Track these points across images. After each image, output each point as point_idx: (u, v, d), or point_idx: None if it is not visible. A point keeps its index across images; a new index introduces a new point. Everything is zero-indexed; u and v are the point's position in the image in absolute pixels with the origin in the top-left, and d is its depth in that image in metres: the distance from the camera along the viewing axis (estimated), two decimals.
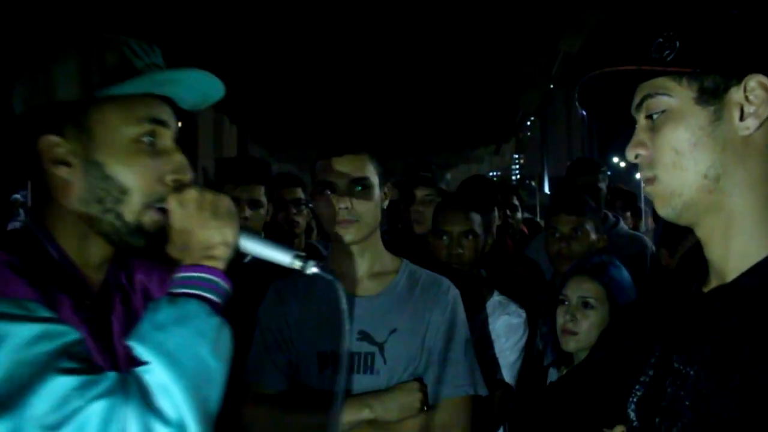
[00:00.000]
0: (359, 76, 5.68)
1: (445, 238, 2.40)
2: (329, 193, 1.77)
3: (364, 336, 1.76)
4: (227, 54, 3.94)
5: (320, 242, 3.90)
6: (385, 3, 3.91)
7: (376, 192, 1.81)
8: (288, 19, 4.11)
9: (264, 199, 2.57)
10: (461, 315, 1.85)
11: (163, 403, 0.91)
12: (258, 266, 1.24)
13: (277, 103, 6.47)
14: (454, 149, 10.61)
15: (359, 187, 1.77)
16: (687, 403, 0.98)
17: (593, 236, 2.55)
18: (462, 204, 2.47)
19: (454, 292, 1.86)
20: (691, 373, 0.99)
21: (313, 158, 1.89)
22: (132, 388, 0.90)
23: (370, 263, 1.83)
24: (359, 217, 1.76)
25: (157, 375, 0.92)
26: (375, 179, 1.81)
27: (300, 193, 3.28)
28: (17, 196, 8.67)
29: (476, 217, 2.41)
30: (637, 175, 1.10)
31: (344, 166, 1.77)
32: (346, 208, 1.74)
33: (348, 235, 1.76)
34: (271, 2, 3.91)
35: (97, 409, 0.86)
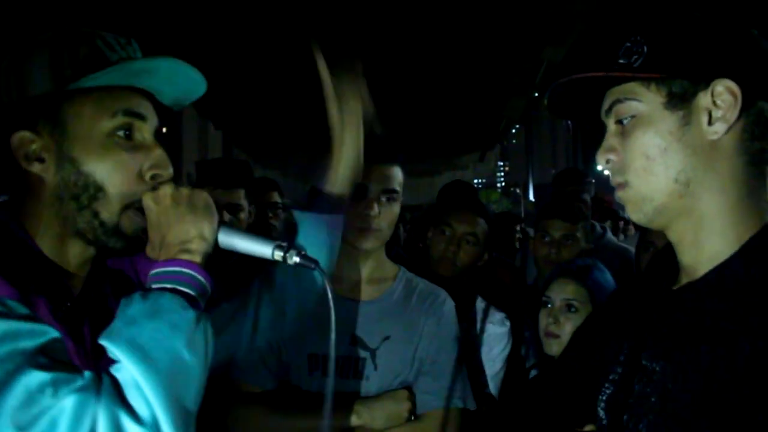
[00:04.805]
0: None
1: (448, 232, 2.35)
2: (357, 195, 1.72)
3: (357, 341, 1.75)
4: (211, 58, 3.94)
5: None
6: (371, 12, 3.93)
7: (399, 204, 1.81)
8: (273, 25, 4.13)
9: (244, 203, 2.52)
10: (455, 328, 1.84)
11: (135, 400, 0.88)
12: (245, 264, 1.21)
13: (262, 109, 6.47)
14: (438, 156, 10.65)
15: (389, 197, 1.76)
16: (653, 399, 0.99)
17: (583, 244, 2.57)
18: (472, 206, 2.44)
19: (450, 305, 1.85)
20: (657, 368, 1.00)
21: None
22: (104, 386, 0.87)
23: (371, 269, 1.82)
24: (382, 227, 1.75)
25: (128, 371, 0.89)
26: (400, 191, 1.80)
27: (276, 197, 3.24)
28: (4, 197, 8.60)
29: (483, 224, 2.38)
30: None
31: (379, 174, 1.75)
32: (374, 215, 1.73)
33: (367, 243, 1.75)
34: (255, 8, 3.94)
35: (67, 405, 0.84)
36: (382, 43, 4.53)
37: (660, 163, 1.00)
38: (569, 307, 2.01)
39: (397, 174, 1.79)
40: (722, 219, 1.00)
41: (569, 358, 1.32)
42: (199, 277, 1.02)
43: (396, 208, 1.79)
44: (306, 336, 1.74)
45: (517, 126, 9.80)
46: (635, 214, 1.05)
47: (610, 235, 3.61)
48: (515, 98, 7.17)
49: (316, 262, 1.10)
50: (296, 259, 1.08)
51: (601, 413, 1.10)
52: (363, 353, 1.74)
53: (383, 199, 1.75)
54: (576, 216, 2.60)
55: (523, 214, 7.21)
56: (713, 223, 1.00)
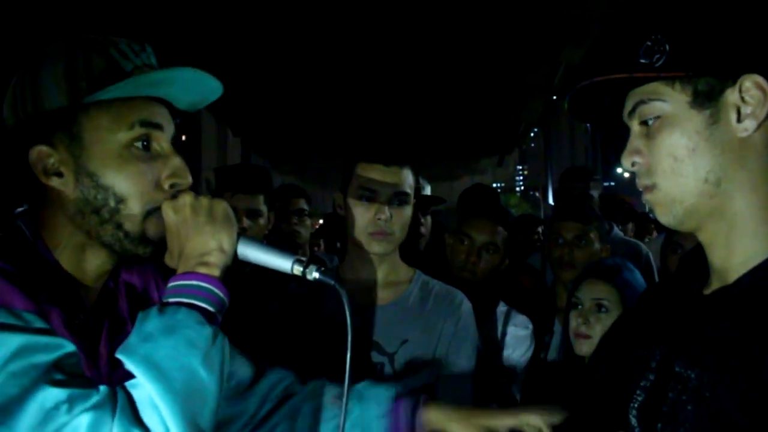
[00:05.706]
0: (363, 89, 5.71)
1: (467, 243, 2.36)
2: (368, 200, 1.74)
3: (375, 345, 1.74)
4: (229, 65, 3.95)
5: (326, 255, 3.91)
6: (387, 15, 3.92)
7: (411, 207, 1.80)
8: (291, 31, 4.13)
9: (264, 209, 2.53)
10: (473, 329, 1.83)
11: (150, 419, 0.87)
12: (261, 275, 1.19)
13: (280, 114, 6.48)
14: (457, 160, 10.61)
15: (400, 201, 1.76)
16: (689, 407, 0.96)
17: (597, 245, 2.52)
18: (491, 214, 2.42)
19: (467, 306, 1.84)
20: (693, 376, 0.98)
21: (350, 156, 1.85)
22: (120, 403, 0.87)
23: (386, 273, 1.82)
24: (394, 231, 1.75)
25: (144, 389, 0.88)
26: (412, 194, 1.80)
27: (303, 204, 3.29)
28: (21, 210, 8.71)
29: (502, 232, 2.38)
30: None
31: (390, 176, 1.74)
32: (385, 220, 1.72)
33: (380, 247, 1.75)
34: (273, 15, 3.95)
35: (82, 423, 0.83)
36: (399, 47, 4.52)
37: (689, 164, 0.97)
38: (599, 307, 1.99)
39: (408, 176, 1.78)
40: (755, 218, 0.97)
41: (598, 364, 1.29)
42: (218, 291, 1.01)
43: (408, 211, 1.79)
44: (324, 343, 1.73)
45: (536, 129, 9.72)
46: (665, 216, 1.02)
47: (617, 230, 3.60)
48: (533, 101, 7.10)
49: (336, 278, 1.09)
50: (316, 275, 1.07)
51: (633, 421, 1.07)
52: (381, 358, 1.74)
53: (394, 202, 1.75)
54: (588, 216, 2.56)
55: (542, 217, 7.14)
56: (746, 223, 0.98)
